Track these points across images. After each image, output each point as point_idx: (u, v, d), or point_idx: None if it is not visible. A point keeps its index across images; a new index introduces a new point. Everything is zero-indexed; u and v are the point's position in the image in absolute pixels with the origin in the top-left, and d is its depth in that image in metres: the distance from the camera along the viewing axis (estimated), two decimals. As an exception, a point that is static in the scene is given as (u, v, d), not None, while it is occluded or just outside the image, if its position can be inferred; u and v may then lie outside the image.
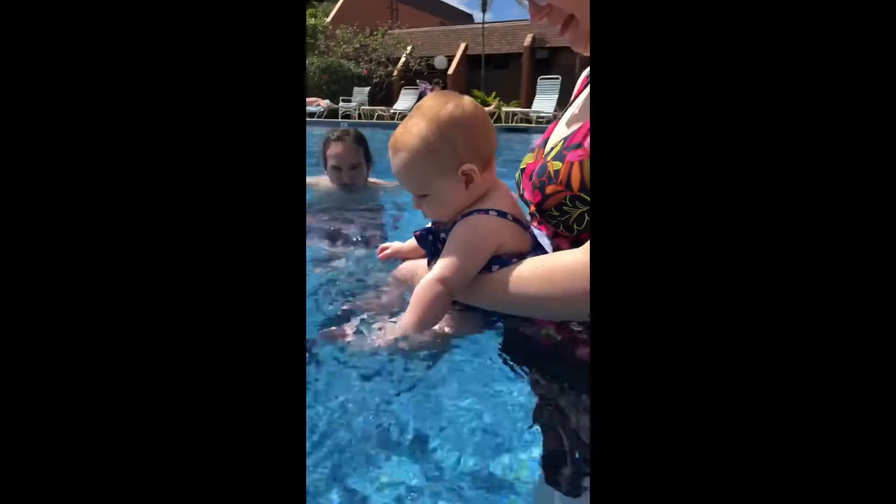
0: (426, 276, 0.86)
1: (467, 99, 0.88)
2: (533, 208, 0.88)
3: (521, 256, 0.86)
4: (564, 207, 0.78)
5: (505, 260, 0.87)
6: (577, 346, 0.80)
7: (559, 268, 0.77)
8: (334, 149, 2.26)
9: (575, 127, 0.82)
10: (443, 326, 0.91)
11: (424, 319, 0.86)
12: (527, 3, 0.80)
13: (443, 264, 0.85)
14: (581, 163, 0.74)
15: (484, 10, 16.60)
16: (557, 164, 0.79)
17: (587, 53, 0.79)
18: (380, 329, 0.91)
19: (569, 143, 0.78)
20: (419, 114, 0.88)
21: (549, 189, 0.79)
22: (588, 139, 0.75)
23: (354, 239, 1.76)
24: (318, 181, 2.42)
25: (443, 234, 0.90)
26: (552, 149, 0.84)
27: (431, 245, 0.93)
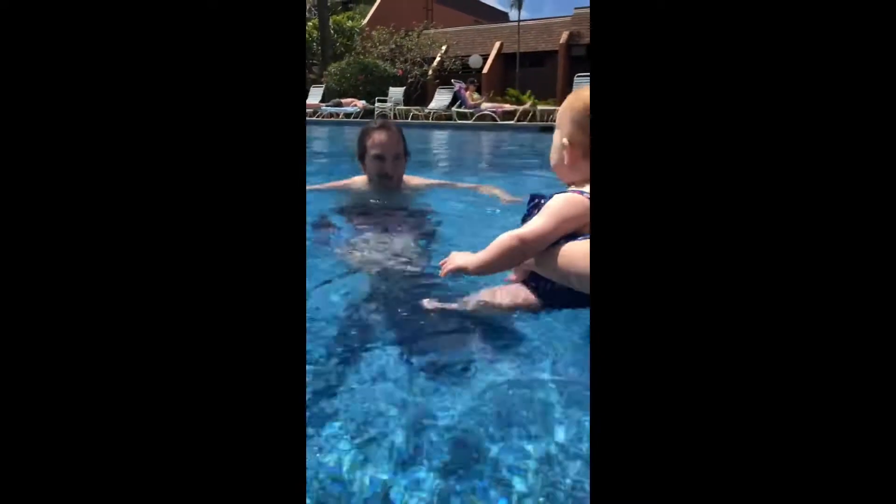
0: (510, 231, 0.98)
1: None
2: None
3: None
4: None
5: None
6: None
7: None
8: (377, 137, 2.11)
9: None
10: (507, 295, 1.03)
11: (492, 261, 0.97)
12: None
13: (527, 226, 0.96)
14: None
15: (519, 8, 16.52)
16: None
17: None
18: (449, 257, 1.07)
19: None
20: (582, 89, 1.05)
21: None
22: None
23: (393, 241, 1.77)
24: (352, 182, 2.32)
25: (543, 201, 1.01)
26: None
27: (529, 210, 1.05)
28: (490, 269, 1.01)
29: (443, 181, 2.62)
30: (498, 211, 2.12)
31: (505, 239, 0.97)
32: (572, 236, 0.93)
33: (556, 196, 0.98)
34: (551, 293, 1.00)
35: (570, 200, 0.96)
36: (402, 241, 1.72)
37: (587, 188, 0.97)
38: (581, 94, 1.02)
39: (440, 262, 1.08)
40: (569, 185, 1.02)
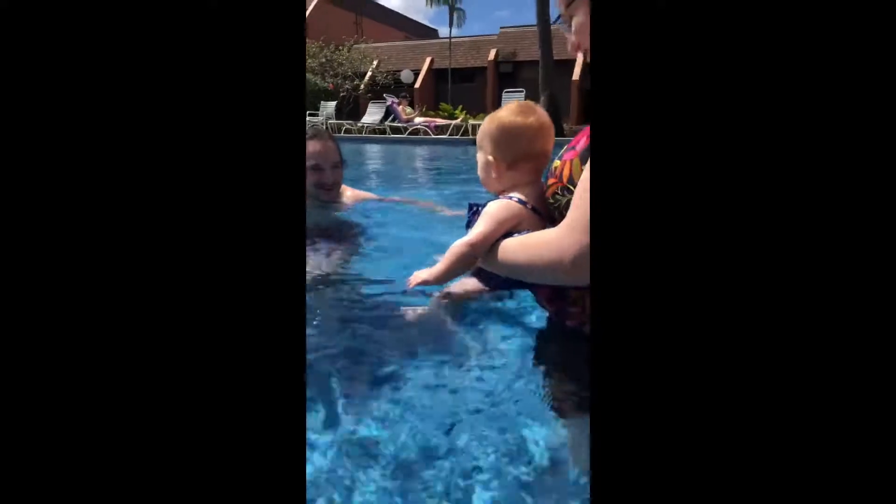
0: (459, 240, 1.13)
1: (512, 119, 1.16)
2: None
3: None
4: (556, 196, 1.01)
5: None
6: (566, 318, 1.03)
7: (538, 241, 0.97)
8: (313, 147, 2.05)
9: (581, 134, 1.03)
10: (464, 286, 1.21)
11: (450, 268, 1.15)
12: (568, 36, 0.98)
13: (471, 232, 1.11)
14: (571, 160, 0.97)
15: (451, 25, 16.92)
16: (557, 163, 1.03)
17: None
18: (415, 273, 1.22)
19: (568, 147, 1.01)
20: (495, 112, 1.19)
21: (550, 181, 1.04)
22: (580, 143, 0.96)
23: (336, 257, 1.73)
24: None
25: (480, 208, 1.16)
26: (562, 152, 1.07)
27: (470, 217, 1.19)
28: (449, 276, 1.18)
29: (380, 196, 2.58)
30: (438, 224, 2.17)
31: (457, 247, 1.13)
32: (508, 234, 1.08)
33: (490, 203, 1.14)
34: (497, 284, 1.18)
35: (502, 205, 1.12)
36: (345, 256, 1.72)
37: (514, 193, 1.13)
38: (493, 116, 1.18)
39: (406, 282, 1.23)
40: (499, 193, 1.17)
